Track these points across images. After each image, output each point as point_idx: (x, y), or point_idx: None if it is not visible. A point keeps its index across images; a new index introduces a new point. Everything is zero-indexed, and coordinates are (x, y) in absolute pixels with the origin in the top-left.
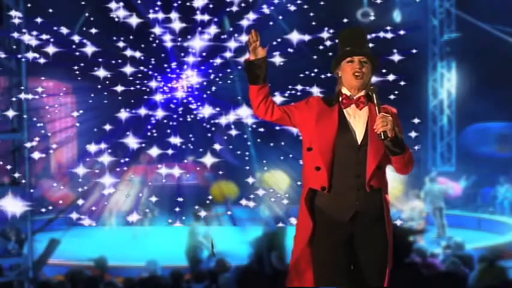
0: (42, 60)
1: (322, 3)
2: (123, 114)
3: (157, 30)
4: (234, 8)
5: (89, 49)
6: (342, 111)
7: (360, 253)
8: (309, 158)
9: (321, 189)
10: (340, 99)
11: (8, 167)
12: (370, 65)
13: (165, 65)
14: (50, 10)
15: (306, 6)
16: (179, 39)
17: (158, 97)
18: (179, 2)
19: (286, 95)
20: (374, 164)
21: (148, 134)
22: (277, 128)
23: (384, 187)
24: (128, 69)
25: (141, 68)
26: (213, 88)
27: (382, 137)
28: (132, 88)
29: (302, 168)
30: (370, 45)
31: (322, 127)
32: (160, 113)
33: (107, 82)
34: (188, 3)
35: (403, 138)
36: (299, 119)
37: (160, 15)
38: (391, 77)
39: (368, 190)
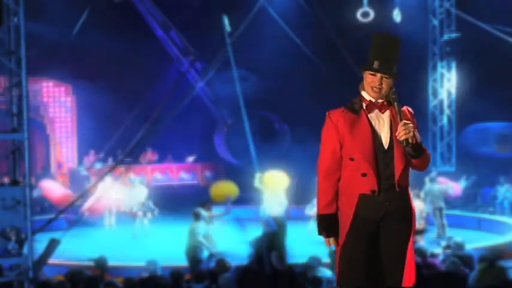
0: (42, 60)
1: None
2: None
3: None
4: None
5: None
6: (368, 117)
7: (382, 251)
8: (353, 166)
9: (371, 192)
10: (364, 105)
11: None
12: (391, 79)
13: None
14: (50, 10)
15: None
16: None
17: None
18: None
19: None
20: (402, 165)
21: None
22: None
23: (408, 185)
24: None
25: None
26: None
27: (405, 144)
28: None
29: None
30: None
31: (359, 136)
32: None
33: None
34: None
35: (421, 141)
36: (340, 141)
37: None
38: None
39: (398, 190)
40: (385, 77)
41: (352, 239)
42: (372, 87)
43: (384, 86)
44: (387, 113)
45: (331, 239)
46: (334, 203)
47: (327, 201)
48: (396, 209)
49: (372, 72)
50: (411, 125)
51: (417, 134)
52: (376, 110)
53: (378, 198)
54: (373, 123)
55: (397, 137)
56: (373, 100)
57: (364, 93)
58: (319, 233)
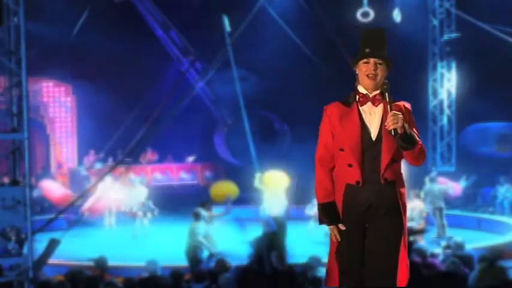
0: (42, 60)
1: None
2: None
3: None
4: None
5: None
6: (359, 110)
7: (369, 246)
8: (343, 157)
9: (356, 183)
10: (357, 97)
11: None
12: (385, 65)
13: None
14: (50, 10)
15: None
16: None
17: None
18: None
19: None
20: (388, 158)
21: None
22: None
23: (398, 180)
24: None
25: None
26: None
27: (393, 134)
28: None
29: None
30: None
31: (347, 128)
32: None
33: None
34: None
35: (414, 133)
36: (332, 133)
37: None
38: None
39: (383, 182)
40: (379, 63)
41: (346, 235)
42: (368, 75)
43: (378, 72)
44: (380, 106)
45: (336, 227)
46: (333, 192)
47: (326, 191)
48: (381, 203)
49: (365, 60)
50: (400, 115)
51: (407, 126)
52: (369, 103)
53: (362, 189)
54: (364, 116)
55: (386, 127)
56: (365, 92)
57: (359, 87)
58: (321, 222)
